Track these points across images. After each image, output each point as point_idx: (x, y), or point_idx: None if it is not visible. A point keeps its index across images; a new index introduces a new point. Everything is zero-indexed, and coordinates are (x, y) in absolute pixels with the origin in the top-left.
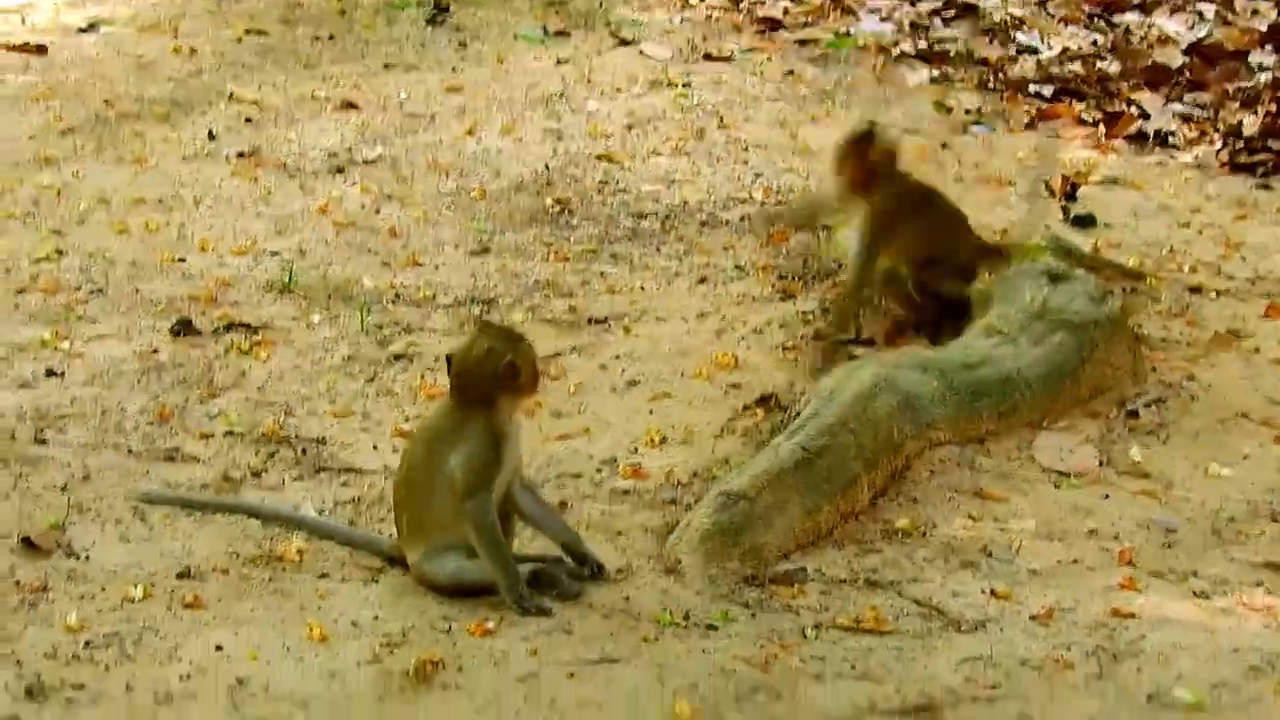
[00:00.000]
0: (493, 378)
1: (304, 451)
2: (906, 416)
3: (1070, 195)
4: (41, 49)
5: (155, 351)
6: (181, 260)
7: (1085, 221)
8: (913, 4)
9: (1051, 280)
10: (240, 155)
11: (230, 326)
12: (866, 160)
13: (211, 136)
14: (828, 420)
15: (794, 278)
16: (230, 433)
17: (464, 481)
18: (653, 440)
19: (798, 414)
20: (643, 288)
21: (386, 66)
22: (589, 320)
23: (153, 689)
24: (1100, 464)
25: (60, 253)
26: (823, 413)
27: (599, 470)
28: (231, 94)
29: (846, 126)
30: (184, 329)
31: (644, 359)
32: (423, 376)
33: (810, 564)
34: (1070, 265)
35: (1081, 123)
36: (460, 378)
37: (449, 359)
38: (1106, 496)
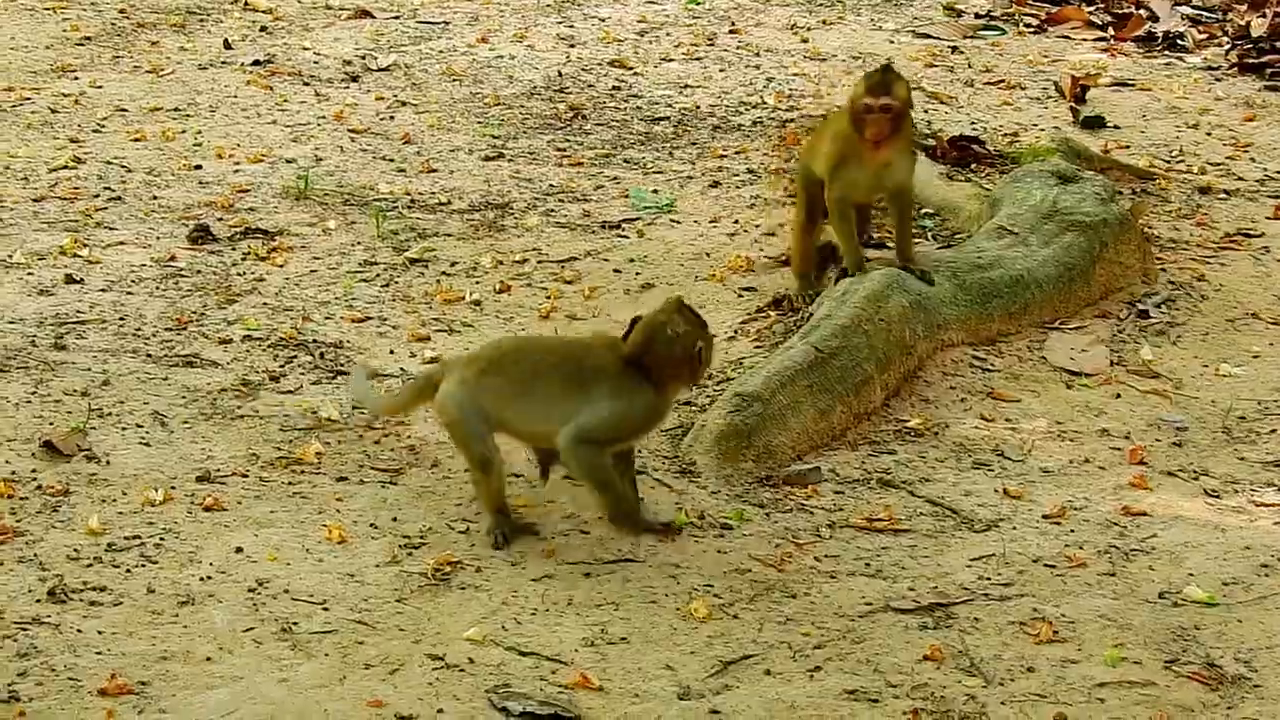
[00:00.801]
0: (678, 359)
1: (322, 356)
2: (919, 317)
3: (1079, 98)
4: None
5: (173, 258)
6: (198, 168)
7: (1094, 123)
8: None
9: (1061, 181)
10: (255, 63)
11: (247, 232)
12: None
13: (227, 45)
14: (840, 321)
15: None
16: (248, 338)
17: (595, 428)
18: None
19: (810, 315)
20: (655, 191)
21: None
22: (602, 225)
23: (174, 591)
24: (1111, 364)
25: (78, 160)
26: (835, 314)
27: None
28: (246, 3)
29: (856, 30)
30: (202, 235)
31: (657, 263)
32: (439, 281)
33: (824, 464)
34: (1080, 166)
35: (1090, 25)
36: (645, 347)
37: (634, 322)
38: (1118, 396)
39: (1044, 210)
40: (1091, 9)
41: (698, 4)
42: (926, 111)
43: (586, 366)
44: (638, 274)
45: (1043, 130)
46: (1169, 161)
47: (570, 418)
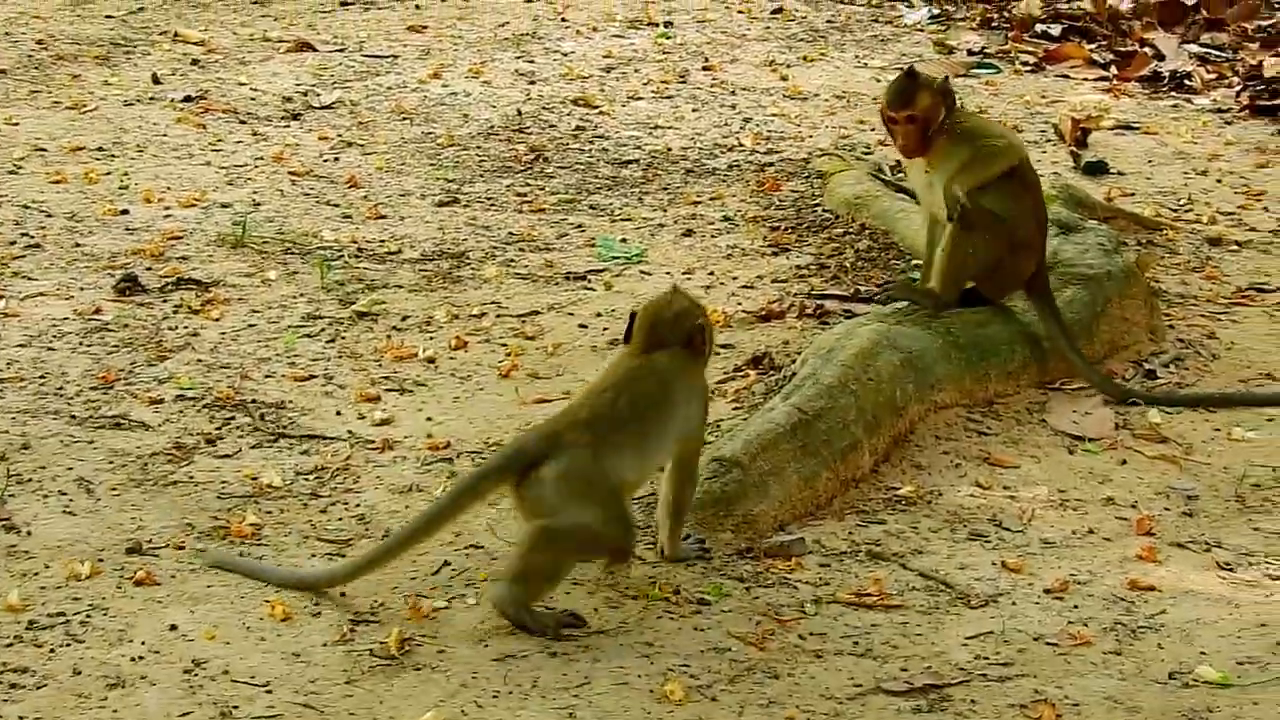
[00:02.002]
0: (685, 340)
1: (262, 417)
2: (910, 376)
3: (1080, 141)
4: None
5: (98, 311)
6: (124, 212)
7: (1097, 169)
8: None
9: (1062, 231)
10: (187, 100)
11: (179, 283)
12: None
13: (156, 80)
14: (826, 380)
15: (786, 229)
16: (182, 397)
17: (699, 433)
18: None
19: (793, 374)
20: (624, 240)
21: (343, 4)
22: (566, 276)
23: (102, 672)
24: (1116, 427)
25: None
26: (821, 373)
27: None
28: (176, 34)
29: (840, 68)
30: (130, 286)
31: (626, 317)
32: (389, 336)
33: (808, 535)
34: (1082, 215)
35: (1092, 64)
36: (654, 335)
37: (632, 318)
38: (1124, 462)
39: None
40: (1093, 46)
41: (668, 38)
42: None
43: (662, 381)
44: (605, 329)
45: (1041, 176)
46: (1177, 210)
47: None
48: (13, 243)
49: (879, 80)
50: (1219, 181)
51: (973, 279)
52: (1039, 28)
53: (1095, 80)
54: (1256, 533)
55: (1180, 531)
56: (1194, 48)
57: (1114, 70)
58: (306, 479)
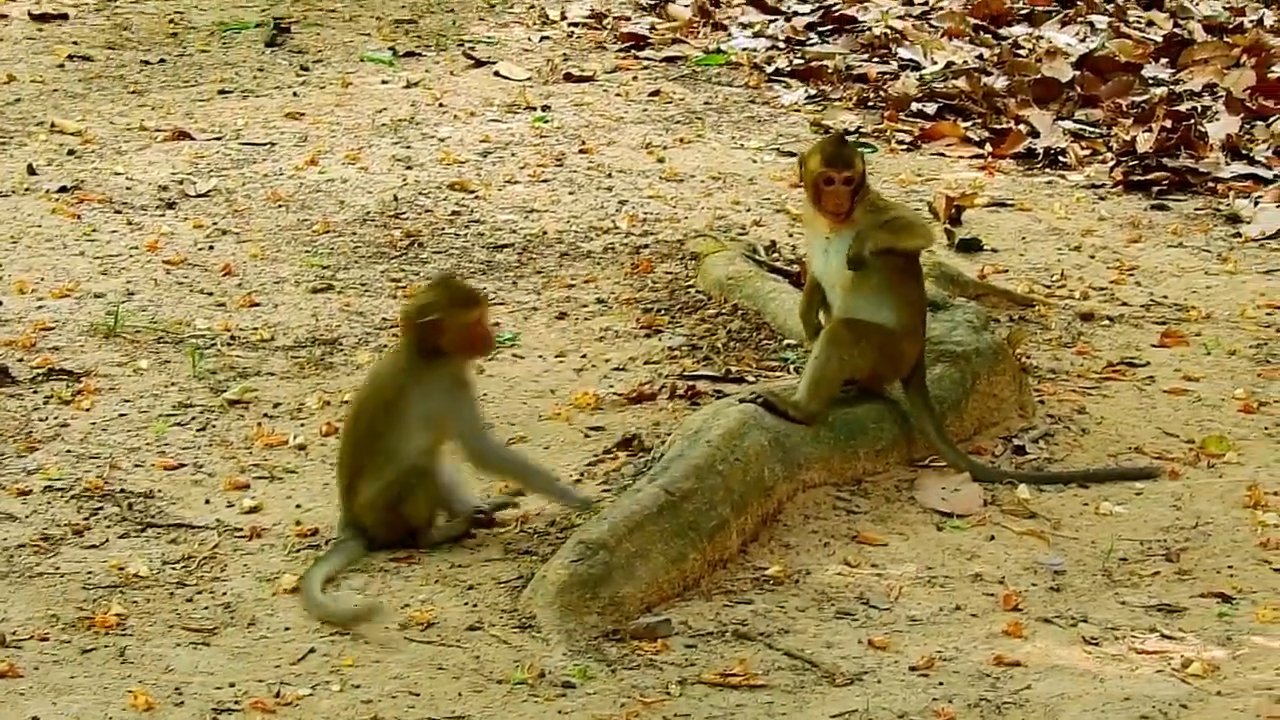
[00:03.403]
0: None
1: (130, 506)
2: (777, 456)
3: (954, 219)
4: None
5: None
6: None
7: (970, 246)
8: (788, 19)
9: (930, 309)
10: (62, 190)
11: (50, 373)
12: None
13: (31, 171)
14: (693, 461)
15: (659, 310)
16: (50, 488)
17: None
18: (506, 487)
19: (661, 455)
20: (496, 324)
21: (222, 93)
22: None
23: None
24: (985, 504)
25: None
26: (688, 453)
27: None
28: (53, 124)
29: (716, 149)
30: None
31: (498, 400)
32: (260, 424)
33: (675, 616)
34: (953, 293)
35: (967, 141)
36: (416, 335)
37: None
38: (991, 538)
39: None
40: (968, 124)
41: (545, 122)
42: (792, 236)
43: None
44: None
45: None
46: (1050, 286)
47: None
48: None
49: (755, 161)
50: (1092, 257)
51: (853, 377)
52: (915, 106)
53: (970, 158)
54: (1123, 606)
55: (1047, 606)
56: (1069, 124)
57: (989, 148)
58: (174, 568)
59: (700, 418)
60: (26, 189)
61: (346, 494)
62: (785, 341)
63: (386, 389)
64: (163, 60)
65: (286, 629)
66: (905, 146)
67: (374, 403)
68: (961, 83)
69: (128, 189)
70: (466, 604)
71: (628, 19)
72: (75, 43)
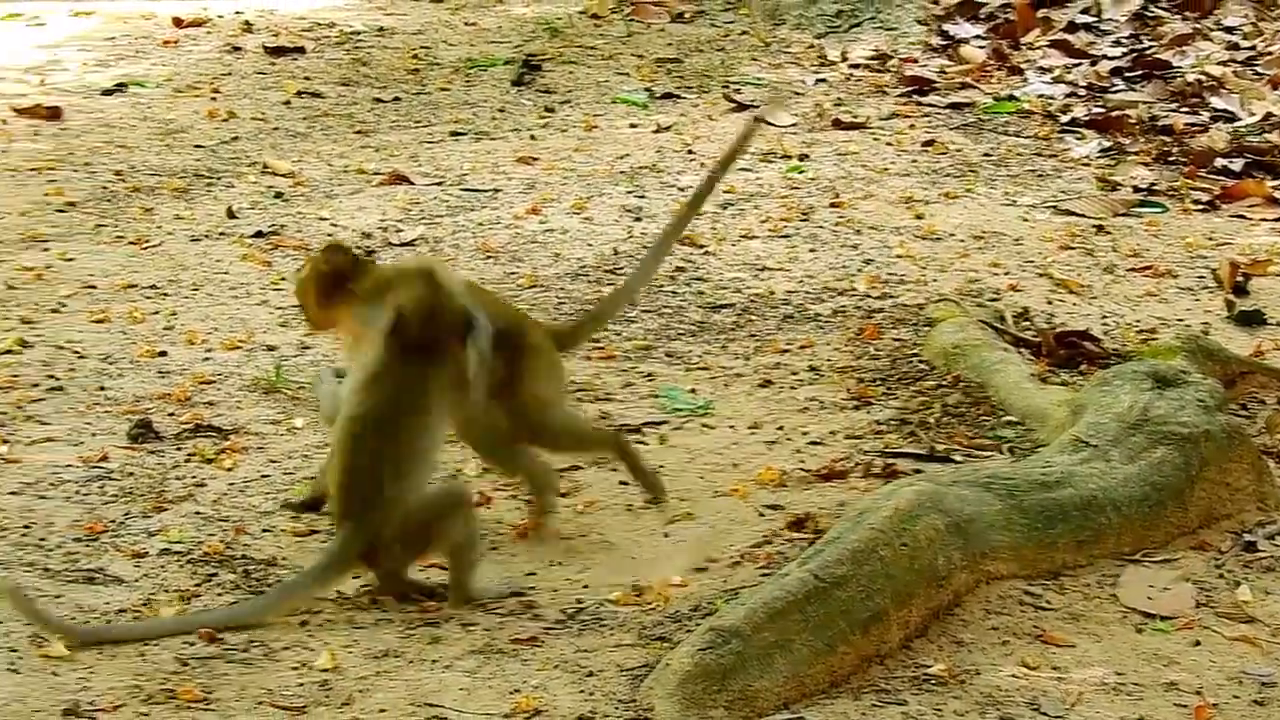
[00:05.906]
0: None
1: (247, 574)
2: (955, 543)
3: (1239, 288)
4: (55, 112)
5: (104, 458)
6: (162, 354)
7: (1252, 319)
8: (1093, 63)
9: (1157, 384)
10: (258, 235)
11: (198, 429)
12: None
13: (231, 214)
14: (851, 545)
15: (875, 381)
16: (167, 551)
17: None
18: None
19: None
20: (693, 390)
21: (454, 134)
22: (620, 427)
23: None
24: (1196, 605)
25: (25, 344)
26: (846, 536)
27: (580, 599)
28: (265, 165)
29: (985, 205)
30: (143, 433)
31: (674, 474)
32: None
33: (815, 714)
34: (1198, 369)
35: (1273, 203)
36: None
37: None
38: (1197, 643)
39: (1131, 419)
40: (1276, 184)
41: (800, 172)
42: (1050, 303)
43: None
44: None
45: (1185, 325)
46: None
47: None
48: (35, 384)
49: (1026, 219)
50: None
51: None
52: (1219, 162)
53: (1275, 220)
54: None
55: None
56: None
57: None
58: (275, 640)
59: (872, 498)
60: (221, 233)
61: None
62: (1005, 418)
63: None
64: (397, 99)
65: (382, 711)
66: (1201, 206)
67: None
68: (1276, 136)
69: (328, 235)
70: (582, 692)
71: (915, 61)
72: (307, 78)
